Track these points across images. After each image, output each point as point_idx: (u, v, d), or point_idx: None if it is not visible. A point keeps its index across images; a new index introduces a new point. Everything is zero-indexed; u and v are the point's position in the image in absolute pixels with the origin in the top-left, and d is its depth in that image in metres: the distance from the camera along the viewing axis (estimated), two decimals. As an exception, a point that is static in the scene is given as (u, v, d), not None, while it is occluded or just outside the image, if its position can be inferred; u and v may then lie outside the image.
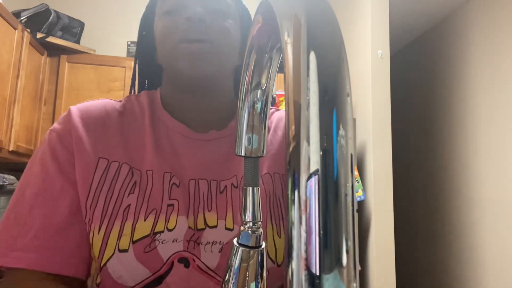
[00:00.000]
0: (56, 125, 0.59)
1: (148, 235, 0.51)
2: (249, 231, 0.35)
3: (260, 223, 0.35)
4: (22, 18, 2.63)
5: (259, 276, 0.35)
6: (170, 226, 0.53)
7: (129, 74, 2.87)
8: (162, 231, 0.52)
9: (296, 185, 0.18)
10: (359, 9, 2.66)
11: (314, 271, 0.16)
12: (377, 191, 2.31)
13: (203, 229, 0.54)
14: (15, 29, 2.38)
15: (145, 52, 0.66)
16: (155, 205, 0.54)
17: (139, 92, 0.69)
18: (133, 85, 0.69)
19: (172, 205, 0.54)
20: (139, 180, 0.55)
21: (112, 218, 0.52)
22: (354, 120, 2.57)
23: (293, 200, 0.18)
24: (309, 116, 0.18)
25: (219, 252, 0.54)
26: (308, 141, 0.18)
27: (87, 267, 0.54)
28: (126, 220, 0.52)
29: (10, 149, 2.38)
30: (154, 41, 0.62)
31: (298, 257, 0.17)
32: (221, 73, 0.60)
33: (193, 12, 0.55)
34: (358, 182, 2.34)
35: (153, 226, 0.52)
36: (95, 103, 0.61)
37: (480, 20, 2.79)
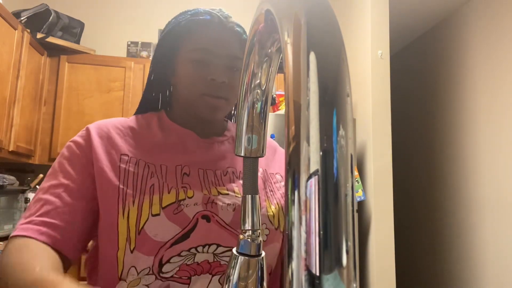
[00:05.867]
0: (75, 137, 0.73)
1: (174, 202, 0.65)
2: (249, 240, 0.34)
3: (259, 231, 0.34)
4: (22, 18, 2.62)
5: (259, 285, 0.34)
6: (190, 195, 0.67)
7: (129, 74, 2.87)
8: (184, 199, 0.66)
9: (296, 185, 0.18)
10: (359, 9, 2.66)
11: (314, 271, 0.16)
12: (377, 191, 2.31)
13: (216, 195, 0.68)
14: (15, 29, 2.38)
15: (160, 76, 0.79)
16: (173, 185, 0.67)
17: (141, 108, 0.82)
18: (143, 102, 0.82)
19: (185, 187, 0.68)
20: (155, 170, 0.69)
21: (142, 194, 0.65)
22: (354, 120, 2.57)
23: (293, 200, 0.18)
24: (309, 116, 0.18)
25: (233, 211, 0.68)
26: (308, 141, 0.18)
27: (77, 253, 0.66)
28: (153, 194, 0.65)
29: (10, 149, 2.38)
30: (173, 71, 0.75)
31: (298, 257, 0.17)
32: (227, 114, 0.80)
33: (219, 74, 0.71)
34: (358, 182, 2.34)
35: (176, 196, 0.66)
36: (109, 119, 0.75)
37: (480, 20, 2.79)
